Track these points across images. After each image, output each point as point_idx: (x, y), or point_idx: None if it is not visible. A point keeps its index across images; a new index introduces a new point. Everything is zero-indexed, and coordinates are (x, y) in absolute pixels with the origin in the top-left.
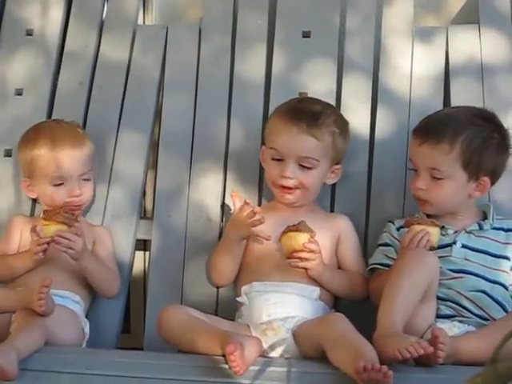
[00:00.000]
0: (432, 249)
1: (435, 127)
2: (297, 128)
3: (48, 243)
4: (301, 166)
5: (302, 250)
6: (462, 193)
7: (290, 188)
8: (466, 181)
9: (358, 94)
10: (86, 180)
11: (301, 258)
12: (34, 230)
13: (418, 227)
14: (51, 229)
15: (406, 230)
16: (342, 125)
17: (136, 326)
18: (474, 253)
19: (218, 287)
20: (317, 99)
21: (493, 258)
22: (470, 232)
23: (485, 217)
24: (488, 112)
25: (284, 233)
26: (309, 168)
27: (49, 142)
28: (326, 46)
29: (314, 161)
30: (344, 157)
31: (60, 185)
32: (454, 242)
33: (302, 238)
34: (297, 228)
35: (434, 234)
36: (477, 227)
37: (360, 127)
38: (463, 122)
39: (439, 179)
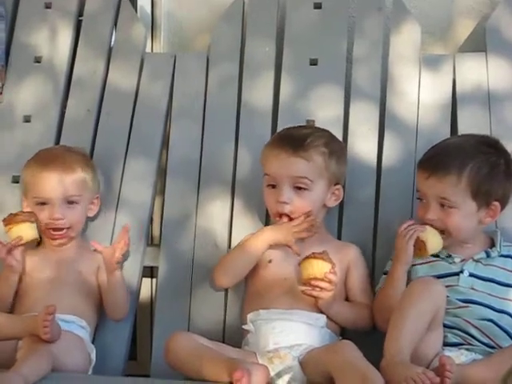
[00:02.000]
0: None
1: (441, 160)
2: (284, 152)
3: (14, 246)
4: (296, 188)
5: (322, 279)
6: (473, 221)
7: (286, 215)
8: (476, 209)
9: (366, 121)
10: (71, 204)
11: (317, 287)
12: None
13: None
14: (16, 231)
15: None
16: (335, 147)
17: (142, 352)
18: (482, 281)
19: (219, 289)
20: (310, 125)
21: (501, 287)
22: (477, 260)
23: (492, 244)
24: (492, 138)
25: (307, 258)
26: (304, 189)
27: (37, 163)
28: (333, 74)
29: (307, 181)
30: (343, 179)
31: (42, 204)
32: (462, 271)
33: (324, 267)
34: (321, 256)
35: (435, 237)
36: (484, 255)
37: (367, 154)
38: (468, 152)
39: (450, 207)
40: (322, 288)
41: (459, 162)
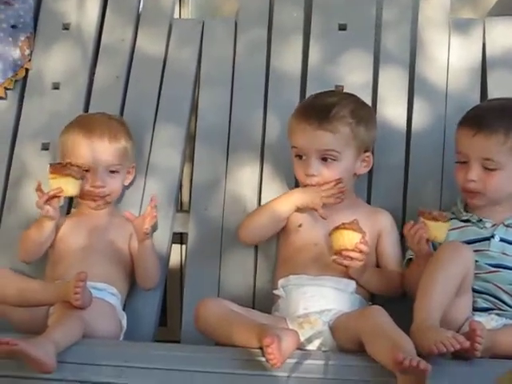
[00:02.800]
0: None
1: (489, 117)
2: (309, 125)
3: (54, 196)
4: (323, 159)
5: (353, 250)
6: None
7: (314, 185)
8: None
9: (395, 87)
10: (112, 172)
11: (349, 257)
12: (38, 188)
13: (421, 219)
14: (58, 182)
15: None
16: (362, 113)
17: (173, 319)
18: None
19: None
20: (335, 91)
21: None
22: (507, 225)
23: None
24: None
25: (337, 228)
26: (332, 160)
27: (80, 130)
28: (363, 39)
29: (335, 153)
30: (373, 144)
31: (84, 171)
32: (492, 236)
33: (355, 238)
34: (351, 227)
35: (438, 228)
36: None
37: (397, 119)
38: (509, 110)
39: (492, 170)
40: (353, 258)
41: (506, 122)
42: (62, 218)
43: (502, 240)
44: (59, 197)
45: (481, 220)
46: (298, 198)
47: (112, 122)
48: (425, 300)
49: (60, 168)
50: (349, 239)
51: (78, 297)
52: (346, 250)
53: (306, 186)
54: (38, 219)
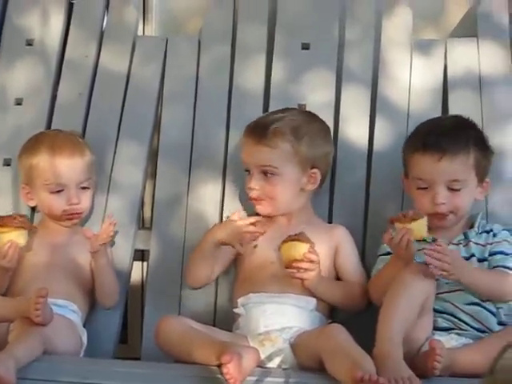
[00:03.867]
0: (421, 240)
1: (447, 140)
2: (251, 140)
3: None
4: (264, 174)
5: (301, 260)
6: (472, 198)
7: (255, 199)
8: (476, 185)
9: (357, 106)
10: (84, 188)
11: (300, 268)
12: None
13: (399, 225)
14: (10, 235)
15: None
16: (306, 130)
17: (133, 336)
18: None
19: (192, 288)
20: (289, 109)
21: (478, 263)
22: (457, 243)
23: (471, 225)
24: (467, 117)
25: (284, 242)
26: (272, 175)
27: (48, 150)
28: (325, 58)
29: (273, 168)
30: (326, 161)
31: (58, 192)
32: None
33: (302, 248)
34: (297, 238)
35: (419, 226)
36: (463, 237)
37: (359, 138)
38: (464, 130)
39: (457, 190)
40: (304, 269)
41: (464, 140)
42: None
43: None
44: (13, 252)
45: (435, 240)
46: (217, 234)
47: (74, 138)
48: (387, 321)
49: (11, 220)
50: (296, 250)
51: (39, 313)
52: (296, 261)
53: (249, 199)
54: None
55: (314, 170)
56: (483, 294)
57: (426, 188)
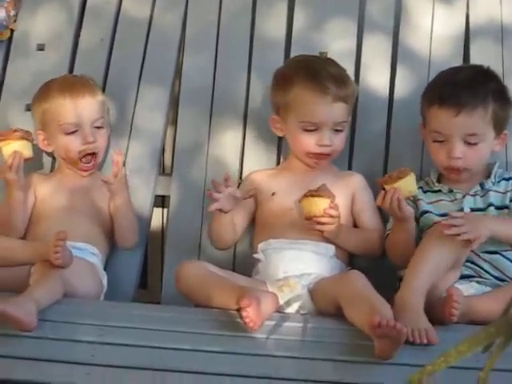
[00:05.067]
0: (412, 198)
1: (466, 94)
2: (330, 96)
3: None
4: (334, 130)
5: (322, 216)
6: (489, 151)
7: (327, 154)
8: (493, 138)
9: (379, 54)
10: (98, 128)
11: (320, 223)
12: None
13: (387, 187)
14: (12, 147)
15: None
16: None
17: (153, 281)
18: (483, 212)
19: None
20: (318, 57)
21: (496, 211)
22: (474, 194)
23: (489, 173)
24: (486, 67)
25: (305, 196)
26: (340, 131)
27: (59, 93)
28: (347, 6)
29: (344, 123)
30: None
31: (73, 132)
32: (462, 209)
33: (322, 204)
34: (318, 193)
35: (407, 183)
36: (479, 188)
37: (379, 86)
38: (484, 82)
39: (474, 144)
40: (324, 223)
41: (483, 94)
42: (42, 180)
43: (472, 210)
44: (19, 162)
45: (451, 191)
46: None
47: (84, 79)
48: (417, 269)
49: (11, 133)
50: (317, 206)
51: (58, 256)
52: (316, 216)
53: (309, 156)
54: (6, 192)
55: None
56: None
57: (443, 141)
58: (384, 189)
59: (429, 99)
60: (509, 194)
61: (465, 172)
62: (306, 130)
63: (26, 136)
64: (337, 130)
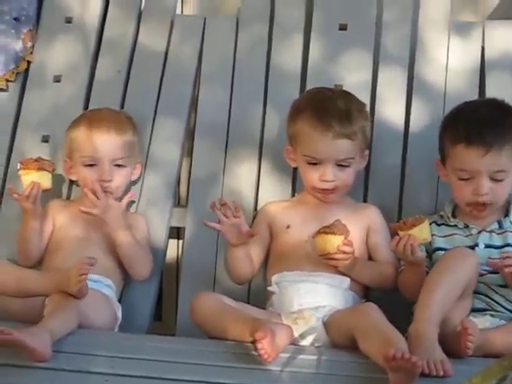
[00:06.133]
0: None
1: (492, 133)
2: (332, 133)
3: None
4: (339, 165)
5: (335, 253)
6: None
7: (332, 190)
8: None
9: (394, 86)
10: (119, 166)
11: (334, 259)
12: (11, 192)
13: (401, 233)
14: (32, 177)
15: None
16: (366, 112)
17: (168, 313)
18: (498, 250)
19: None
20: (333, 90)
21: None
22: (491, 231)
23: (507, 210)
24: (503, 101)
25: (318, 233)
26: (347, 166)
27: (87, 124)
28: (363, 39)
29: (350, 160)
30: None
31: (91, 166)
32: (477, 245)
33: (336, 241)
34: (332, 230)
35: (421, 231)
36: (497, 226)
37: (395, 119)
38: (507, 118)
39: (500, 180)
40: (338, 259)
41: (507, 131)
42: (60, 207)
43: (487, 246)
44: (36, 191)
45: (467, 226)
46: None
47: (119, 116)
48: (428, 301)
49: (32, 163)
50: (330, 244)
51: (83, 278)
52: (329, 254)
53: (316, 191)
54: (22, 220)
55: (367, 152)
56: None
57: (468, 178)
58: (397, 234)
59: (452, 138)
60: None
61: (489, 207)
62: (310, 164)
63: (46, 167)
64: (342, 165)
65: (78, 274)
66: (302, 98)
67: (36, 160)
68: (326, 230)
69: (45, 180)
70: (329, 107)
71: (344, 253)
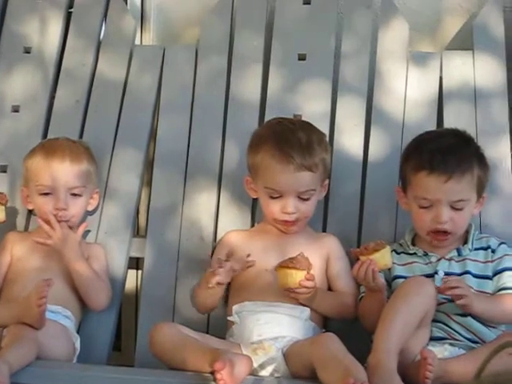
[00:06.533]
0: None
1: (454, 161)
2: (293, 165)
3: None
4: (300, 198)
5: (297, 288)
6: (471, 214)
7: (293, 221)
8: (475, 202)
9: (353, 116)
10: (75, 195)
11: (295, 293)
12: None
13: (363, 258)
14: None
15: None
16: (326, 143)
17: (127, 344)
18: (457, 277)
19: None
20: (294, 122)
21: (475, 279)
22: (450, 259)
23: (466, 238)
24: (465, 132)
25: (281, 267)
26: (307, 198)
27: (42, 153)
28: (322, 69)
29: (312, 191)
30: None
31: (47, 194)
32: (436, 272)
33: (298, 276)
34: (294, 265)
35: (383, 256)
36: (456, 253)
37: (354, 149)
38: (468, 148)
39: (460, 209)
40: (299, 293)
41: (468, 160)
42: (18, 239)
43: (446, 274)
44: None
45: (427, 254)
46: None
47: (75, 145)
48: (386, 331)
49: None
50: (292, 279)
51: (43, 301)
52: (291, 289)
53: (277, 222)
54: None
55: (327, 182)
56: (494, 321)
57: (428, 206)
58: (358, 259)
59: (415, 166)
60: (490, 265)
61: (450, 236)
62: (271, 197)
63: None
64: (303, 198)
65: (37, 298)
66: (263, 128)
67: None
68: (289, 265)
69: None
70: (290, 139)
71: (306, 287)
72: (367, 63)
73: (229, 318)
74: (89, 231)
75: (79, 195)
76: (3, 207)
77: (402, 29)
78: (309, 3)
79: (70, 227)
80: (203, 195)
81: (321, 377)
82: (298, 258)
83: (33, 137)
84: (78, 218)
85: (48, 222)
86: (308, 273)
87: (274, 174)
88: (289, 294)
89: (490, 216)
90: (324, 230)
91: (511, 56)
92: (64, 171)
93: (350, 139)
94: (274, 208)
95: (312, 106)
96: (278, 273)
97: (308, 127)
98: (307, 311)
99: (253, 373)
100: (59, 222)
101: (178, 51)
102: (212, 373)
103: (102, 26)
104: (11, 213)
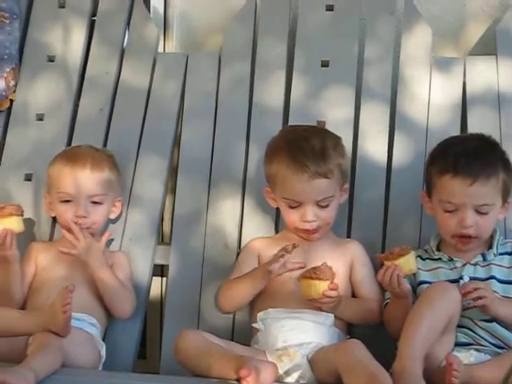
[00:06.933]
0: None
1: (479, 164)
2: (307, 174)
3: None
4: (319, 205)
5: (320, 298)
6: (496, 219)
7: (314, 230)
8: (500, 207)
9: (376, 122)
10: (95, 203)
11: (319, 303)
12: None
13: (387, 263)
14: (2, 223)
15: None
16: (342, 147)
17: (152, 351)
18: (483, 282)
19: (224, 312)
20: (307, 129)
21: (500, 285)
22: (475, 264)
23: (491, 242)
24: (490, 137)
25: (304, 277)
26: (326, 206)
27: (64, 160)
28: (345, 75)
29: (330, 198)
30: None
31: (67, 202)
32: (461, 277)
33: (321, 287)
34: (317, 275)
35: (407, 261)
36: (481, 258)
37: (378, 155)
38: (493, 152)
39: (485, 213)
40: (323, 303)
41: (493, 164)
42: (42, 248)
43: (471, 279)
44: (11, 238)
45: (452, 259)
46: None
47: (97, 153)
48: (411, 336)
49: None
50: (315, 289)
51: (67, 307)
52: (314, 299)
53: (299, 231)
54: (1, 267)
55: (347, 185)
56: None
57: (453, 210)
58: (383, 264)
59: (439, 169)
60: None
61: (475, 240)
62: (290, 207)
63: (14, 211)
64: (322, 206)
65: (62, 305)
66: (277, 137)
67: (2, 207)
68: (312, 275)
69: (16, 224)
70: (303, 147)
71: (329, 297)
72: (390, 69)
73: (253, 325)
74: (112, 240)
75: (100, 203)
76: (20, 218)
77: (425, 34)
78: (331, 10)
79: (92, 234)
80: (227, 202)
81: (346, 383)
82: (322, 267)
83: (57, 145)
84: (99, 225)
85: (70, 231)
86: (331, 282)
87: (290, 184)
88: (312, 304)
89: None
90: (348, 236)
91: None
92: (85, 179)
93: (373, 145)
94: (294, 217)
95: (335, 112)
96: (301, 283)
97: (322, 133)
98: (331, 317)
99: (278, 380)
100: (81, 229)
101: (201, 58)
102: (238, 380)
103: (125, 33)
104: (36, 221)
